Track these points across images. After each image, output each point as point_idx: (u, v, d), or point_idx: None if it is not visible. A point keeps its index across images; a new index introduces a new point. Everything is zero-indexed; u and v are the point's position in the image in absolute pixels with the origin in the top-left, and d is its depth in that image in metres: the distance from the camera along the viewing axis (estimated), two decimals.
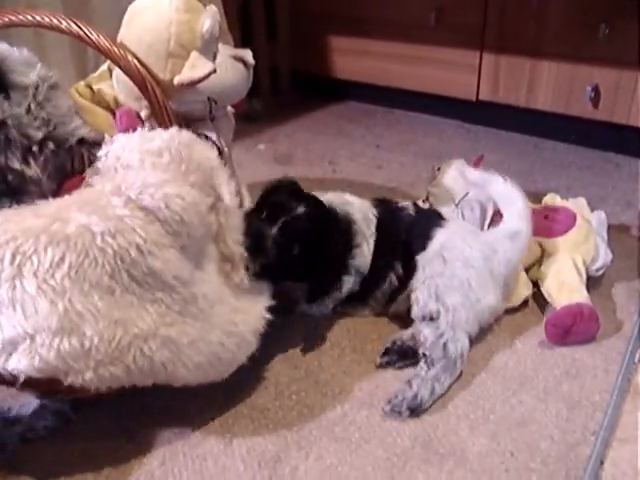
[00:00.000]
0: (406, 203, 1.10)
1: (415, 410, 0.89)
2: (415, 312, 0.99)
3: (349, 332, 1.06)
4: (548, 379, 0.95)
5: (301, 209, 0.95)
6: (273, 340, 0.90)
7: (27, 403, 0.87)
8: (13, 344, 0.68)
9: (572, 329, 0.99)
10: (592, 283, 1.11)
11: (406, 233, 1.05)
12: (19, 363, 0.68)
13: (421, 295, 0.99)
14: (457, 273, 0.98)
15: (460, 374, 0.95)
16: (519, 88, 1.74)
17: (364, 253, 1.03)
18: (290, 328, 1.06)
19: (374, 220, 1.05)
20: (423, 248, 1.02)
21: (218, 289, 0.85)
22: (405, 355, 0.98)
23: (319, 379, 0.96)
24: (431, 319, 0.97)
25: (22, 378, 0.70)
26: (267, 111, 2.02)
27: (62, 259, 0.68)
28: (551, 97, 1.69)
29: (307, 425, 0.88)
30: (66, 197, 0.76)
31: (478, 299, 0.98)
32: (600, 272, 1.14)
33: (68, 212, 0.71)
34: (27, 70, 0.81)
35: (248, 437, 0.87)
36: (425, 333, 0.96)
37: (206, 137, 0.97)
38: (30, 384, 0.84)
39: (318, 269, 0.97)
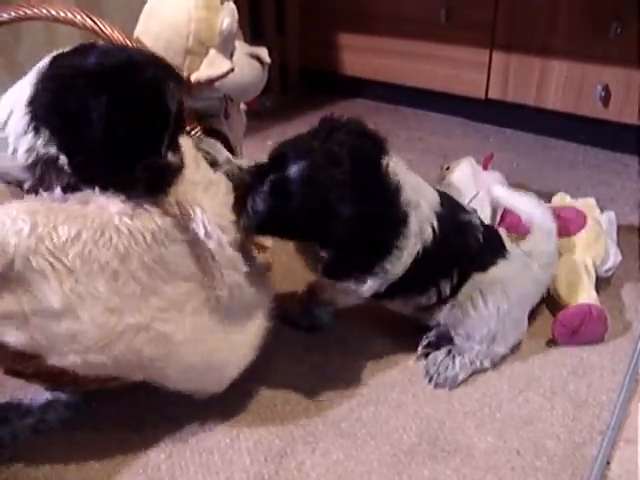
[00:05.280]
0: (472, 217, 0.96)
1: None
2: (461, 339, 0.97)
3: (355, 327, 1.06)
4: (555, 378, 0.95)
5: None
6: (279, 335, 0.91)
7: (38, 395, 0.88)
8: (6, 317, 0.68)
9: (580, 329, 0.99)
10: (600, 283, 1.11)
11: (470, 261, 0.94)
12: (6, 335, 0.69)
13: (478, 334, 0.95)
14: (514, 312, 0.96)
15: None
16: (529, 87, 1.73)
17: (402, 257, 0.87)
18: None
19: (429, 229, 0.89)
20: (483, 270, 0.95)
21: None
22: (440, 340, 0.99)
23: (325, 374, 0.97)
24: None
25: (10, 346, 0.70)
26: (276, 107, 2.02)
27: (78, 235, 0.69)
28: (561, 96, 1.68)
29: (313, 420, 0.89)
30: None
31: (515, 328, 0.98)
32: (609, 273, 1.14)
33: (88, 196, 0.73)
34: None
35: (255, 431, 0.87)
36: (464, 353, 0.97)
37: (219, 133, 0.97)
38: (37, 376, 0.86)
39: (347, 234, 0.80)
